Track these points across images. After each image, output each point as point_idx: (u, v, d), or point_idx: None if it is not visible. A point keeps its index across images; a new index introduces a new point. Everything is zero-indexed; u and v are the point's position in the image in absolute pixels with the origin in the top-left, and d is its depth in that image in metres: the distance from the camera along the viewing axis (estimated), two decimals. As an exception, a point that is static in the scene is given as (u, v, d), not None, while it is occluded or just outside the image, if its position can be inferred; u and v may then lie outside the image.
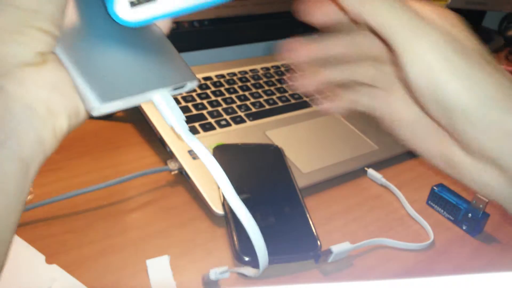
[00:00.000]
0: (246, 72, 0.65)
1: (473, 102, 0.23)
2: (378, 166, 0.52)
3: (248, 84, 0.62)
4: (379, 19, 0.24)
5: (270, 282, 0.38)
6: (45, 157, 0.23)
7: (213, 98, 0.58)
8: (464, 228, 0.45)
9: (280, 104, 0.59)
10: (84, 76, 0.23)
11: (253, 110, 0.57)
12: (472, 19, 1.03)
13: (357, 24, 0.28)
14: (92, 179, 0.47)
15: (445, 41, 0.24)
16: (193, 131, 0.51)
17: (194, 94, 0.58)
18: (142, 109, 0.53)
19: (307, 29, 0.30)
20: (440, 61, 0.23)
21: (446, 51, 0.24)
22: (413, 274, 0.40)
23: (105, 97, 0.23)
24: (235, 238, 0.39)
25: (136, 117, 0.59)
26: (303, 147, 0.52)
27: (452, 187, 0.47)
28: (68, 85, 0.23)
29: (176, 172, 0.47)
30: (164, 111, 0.27)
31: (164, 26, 0.29)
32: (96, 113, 0.23)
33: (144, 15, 0.24)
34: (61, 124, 0.23)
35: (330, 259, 0.39)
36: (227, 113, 0.56)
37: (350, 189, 0.50)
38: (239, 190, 0.43)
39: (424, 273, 0.41)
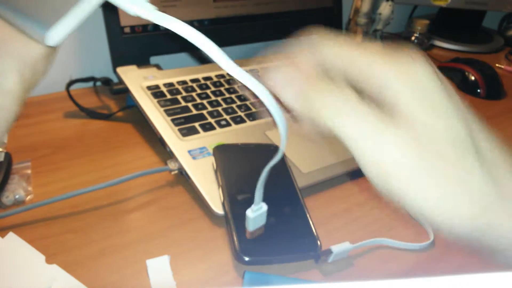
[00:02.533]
0: (246, 72, 0.65)
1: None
2: (378, 166, 0.52)
3: (248, 84, 0.62)
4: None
5: (270, 282, 0.38)
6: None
7: (213, 98, 0.58)
8: (464, 228, 0.45)
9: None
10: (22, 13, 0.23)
11: (253, 110, 0.57)
12: (472, 19, 1.03)
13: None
14: (92, 179, 0.48)
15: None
16: (193, 131, 0.51)
17: (194, 94, 0.58)
18: (142, 109, 0.53)
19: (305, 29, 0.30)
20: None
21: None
22: (413, 274, 0.40)
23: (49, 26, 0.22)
24: (235, 238, 0.39)
25: (136, 117, 0.59)
26: (303, 147, 0.52)
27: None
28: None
29: (176, 172, 0.47)
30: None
31: None
32: (50, 42, 0.23)
33: None
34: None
35: (330, 259, 0.39)
36: (227, 113, 0.56)
37: (350, 189, 0.50)
38: (239, 190, 0.43)
39: (424, 273, 0.41)
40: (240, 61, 0.68)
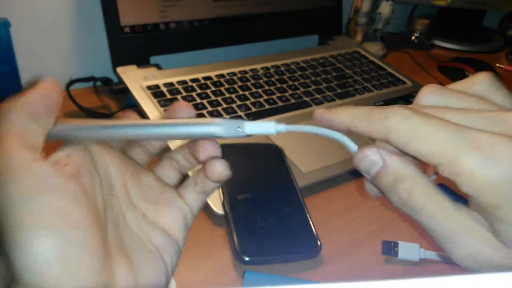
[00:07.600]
0: (246, 72, 0.65)
1: None
2: (378, 166, 0.52)
3: (248, 84, 0.62)
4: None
5: (270, 282, 0.38)
6: None
7: (213, 98, 0.58)
8: (464, 228, 0.45)
9: (280, 104, 0.59)
10: None
11: (253, 110, 0.57)
12: (472, 18, 1.03)
13: None
14: (92, 179, 0.47)
15: None
16: (193, 131, 0.51)
17: (194, 94, 0.58)
18: (142, 109, 0.53)
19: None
20: None
21: None
22: (413, 274, 0.40)
23: None
24: (235, 238, 0.39)
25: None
26: (303, 147, 0.52)
27: (453, 187, 0.47)
28: None
29: (176, 172, 0.47)
30: None
31: None
32: None
33: None
34: None
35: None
36: (227, 113, 0.56)
37: (350, 189, 0.50)
38: (239, 190, 0.43)
39: (424, 273, 0.41)
40: (240, 61, 0.68)
